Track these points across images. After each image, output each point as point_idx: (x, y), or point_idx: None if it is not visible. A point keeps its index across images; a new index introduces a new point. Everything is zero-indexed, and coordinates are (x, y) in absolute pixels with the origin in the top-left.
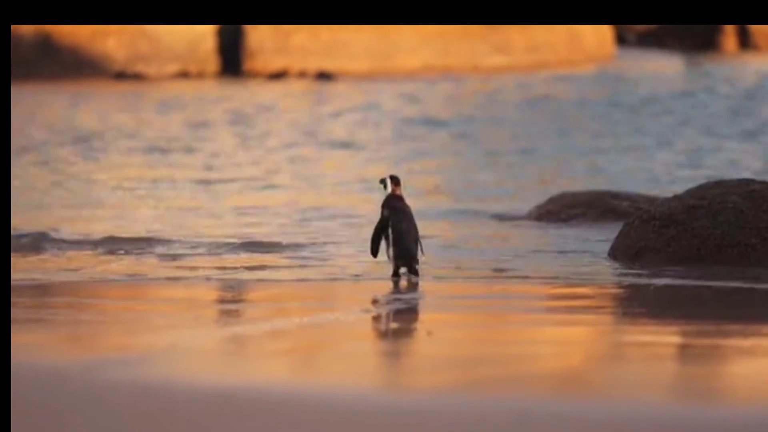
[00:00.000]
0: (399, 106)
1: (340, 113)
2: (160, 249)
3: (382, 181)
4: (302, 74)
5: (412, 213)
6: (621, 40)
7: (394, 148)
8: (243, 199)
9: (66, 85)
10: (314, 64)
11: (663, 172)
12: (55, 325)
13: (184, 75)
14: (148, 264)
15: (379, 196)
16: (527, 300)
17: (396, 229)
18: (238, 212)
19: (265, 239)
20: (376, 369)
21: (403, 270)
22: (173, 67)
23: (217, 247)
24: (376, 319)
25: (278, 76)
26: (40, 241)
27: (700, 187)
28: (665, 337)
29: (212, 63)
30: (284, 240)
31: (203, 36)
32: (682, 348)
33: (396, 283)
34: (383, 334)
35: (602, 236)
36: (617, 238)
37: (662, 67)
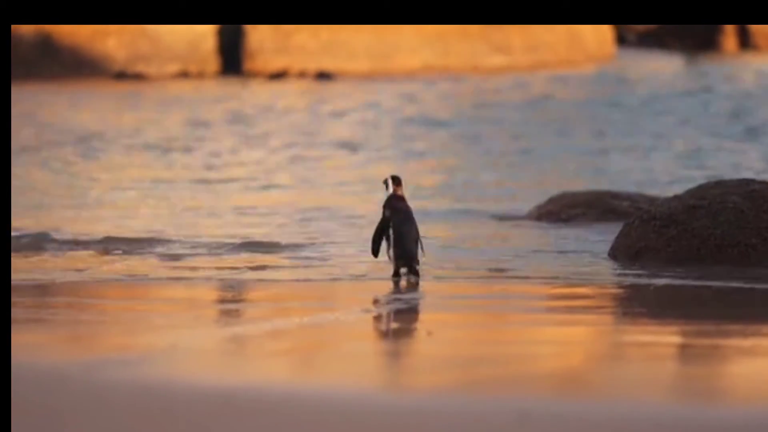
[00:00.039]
0: (399, 106)
1: (340, 113)
2: (160, 249)
3: (385, 182)
4: (302, 74)
5: (413, 213)
6: (621, 40)
7: (394, 148)
8: (243, 199)
9: (66, 85)
10: (314, 64)
11: (663, 172)
12: (55, 325)
13: (184, 75)
14: (148, 264)
15: (380, 196)
16: (527, 300)
17: (397, 230)
18: (238, 212)
19: (265, 239)
20: (376, 369)
21: (403, 270)
22: (173, 67)
23: (217, 247)
24: (377, 319)
25: (278, 76)
26: (40, 241)
27: (701, 187)
28: (665, 337)
29: (212, 63)
30: (284, 240)
31: (203, 36)
32: (683, 348)
33: (396, 283)
34: (383, 334)
35: (602, 236)
36: (617, 238)
37: (662, 67)
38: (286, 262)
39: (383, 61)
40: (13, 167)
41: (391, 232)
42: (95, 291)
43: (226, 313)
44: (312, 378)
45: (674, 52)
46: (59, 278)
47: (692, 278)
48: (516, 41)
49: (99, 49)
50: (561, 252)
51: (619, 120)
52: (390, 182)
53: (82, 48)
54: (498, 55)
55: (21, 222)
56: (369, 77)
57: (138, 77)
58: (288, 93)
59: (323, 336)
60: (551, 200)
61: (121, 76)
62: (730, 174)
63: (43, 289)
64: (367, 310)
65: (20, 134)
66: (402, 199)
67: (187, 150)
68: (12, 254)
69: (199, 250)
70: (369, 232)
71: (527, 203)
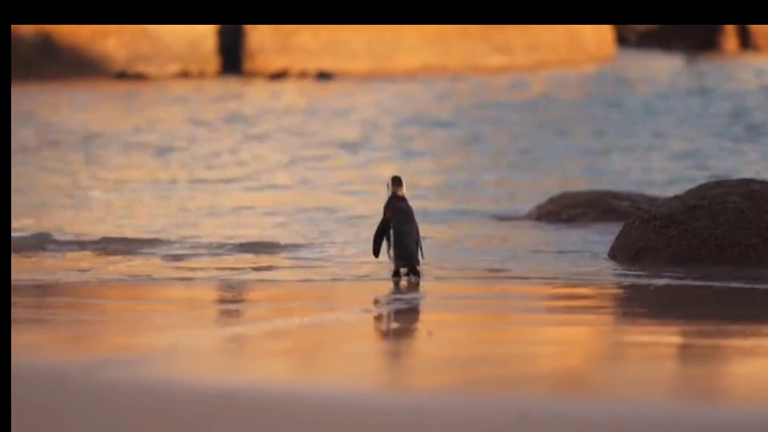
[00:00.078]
0: (399, 106)
1: (340, 113)
2: (160, 249)
3: (388, 183)
4: (302, 74)
5: (414, 214)
6: (621, 40)
7: (394, 148)
8: (243, 199)
9: (66, 85)
10: (314, 64)
11: (663, 172)
12: (56, 325)
13: (184, 75)
14: (148, 264)
15: (380, 197)
16: (527, 300)
17: (397, 230)
18: (238, 212)
19: (265, 239)
20: (376, 369)
21: (403, 270)
22: (174, 67)
23: (217, 247)
24: (377, 319)
25: (279, 76)
26: (40, 241)
27: (701, 187)
28: (665, 337)
29: (213, 63)
30: (284, 240)
31: (204, 36)
32: (683, 348)
33: (396, 284)
34: (384, 334)
35: (602, 236)
36: (617, 238)
37: (662, 67)
38: (286, 262)
39: (383, 61)
40: (13, 167)
41: (391, 232)
42: (95, 291)
43: (227, 314)
44: (312, 378)
45: (674, 52)
46: (59, 278)
47: (692, 278)
48: (516, 41)
49: (99, 49)
50: (561, 252)
51: (619, 120)
52: (390, 183)
53: (82, 48)
54: (498, 55)
55: (21, 222)
56: (369, 77)
57: (138, 77)
58: (288, 93)
59: (323, 336)
60: (551, 200)
61: (122, 76)
62: (730, 174)
63: (43, 289)
64: (368, 310)
65: (20, 134)
66: (403, 199)
67: (188, 150)
68: (12, 254)
69: (199, 250)
70: (369, 233)
71: (527, 203)
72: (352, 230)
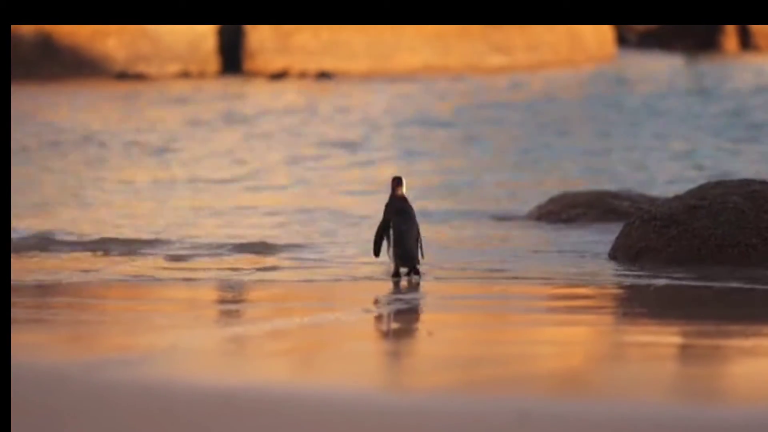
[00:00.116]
0: (399, 106)
1: (340, 113)
2: (160, 249)
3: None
4: (303, 74)
5: (415, 214)
6: (622, 40)
7: (394, 148)
8: (243, 199)
9: (66, 85)
10: (314, 64)
11: (663, 172)
12: (56, 325)
13: (184, 75)
14: (149, 264)
15: (380, 197)
16: (527, 300)
17: (397, 230)
18: (238, 212)
19: (265, 239)
20: (376, 369)
21: (404, 270)
22: (174, 67)
23: (217, 247)
24: (377, 319)
25: (279, 76)
26: (40, 241)
27: (701, 188)
28: (665, 337)
29: (213, 63)
30: (284, 240)
31: (204, 36)
32: (683, 348)
33: (397, 284)
34: (384, 335)
35: (602, 236)
36: (618, 238)
37: (662, 67)
38: (286, 262)
39: (383, 61)
40: (13, 167)
41: (391, 232)
42: (95, 291)
43: (227, 314)
44: (312, 378)
45: (674, 52)
46: (59, 278)
47: (693, 278)
48: (516, 41)
49: (99, 49)
50: (561, 252)
51: (619, 120)
52: (391, 183)
53: (82, 48)
54: (498, 55)
55: (21, 222)
56: (369, 77)
57: (138, 77)
58: (288, 93)
59: (323, 336)
60: (551, 200)
61: (122, 76)
62: (730, 174)
63: (43, 289)
64: (368, 311)
65: (20, 134)
66: (403, 199)
67: (188, 150)
68: (12, 254)
69: (199, 251)
70: (369, 233)
71: (527, 203)
72: (352, 230)
